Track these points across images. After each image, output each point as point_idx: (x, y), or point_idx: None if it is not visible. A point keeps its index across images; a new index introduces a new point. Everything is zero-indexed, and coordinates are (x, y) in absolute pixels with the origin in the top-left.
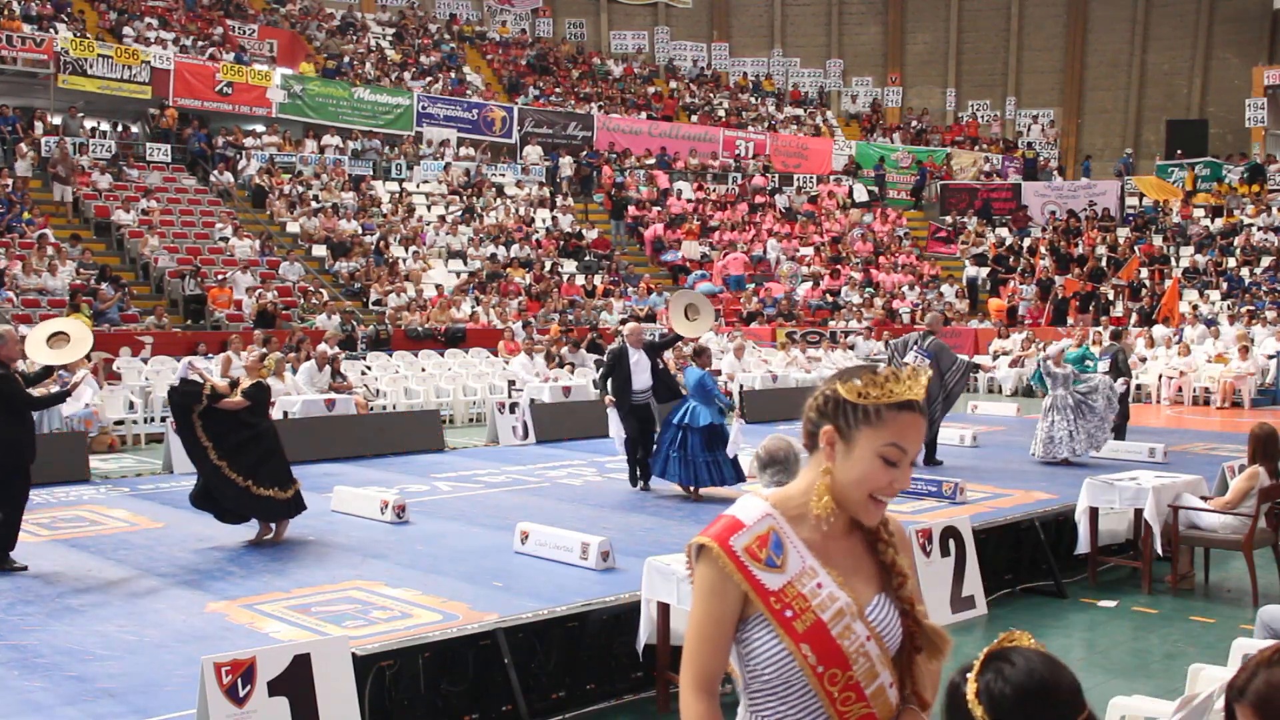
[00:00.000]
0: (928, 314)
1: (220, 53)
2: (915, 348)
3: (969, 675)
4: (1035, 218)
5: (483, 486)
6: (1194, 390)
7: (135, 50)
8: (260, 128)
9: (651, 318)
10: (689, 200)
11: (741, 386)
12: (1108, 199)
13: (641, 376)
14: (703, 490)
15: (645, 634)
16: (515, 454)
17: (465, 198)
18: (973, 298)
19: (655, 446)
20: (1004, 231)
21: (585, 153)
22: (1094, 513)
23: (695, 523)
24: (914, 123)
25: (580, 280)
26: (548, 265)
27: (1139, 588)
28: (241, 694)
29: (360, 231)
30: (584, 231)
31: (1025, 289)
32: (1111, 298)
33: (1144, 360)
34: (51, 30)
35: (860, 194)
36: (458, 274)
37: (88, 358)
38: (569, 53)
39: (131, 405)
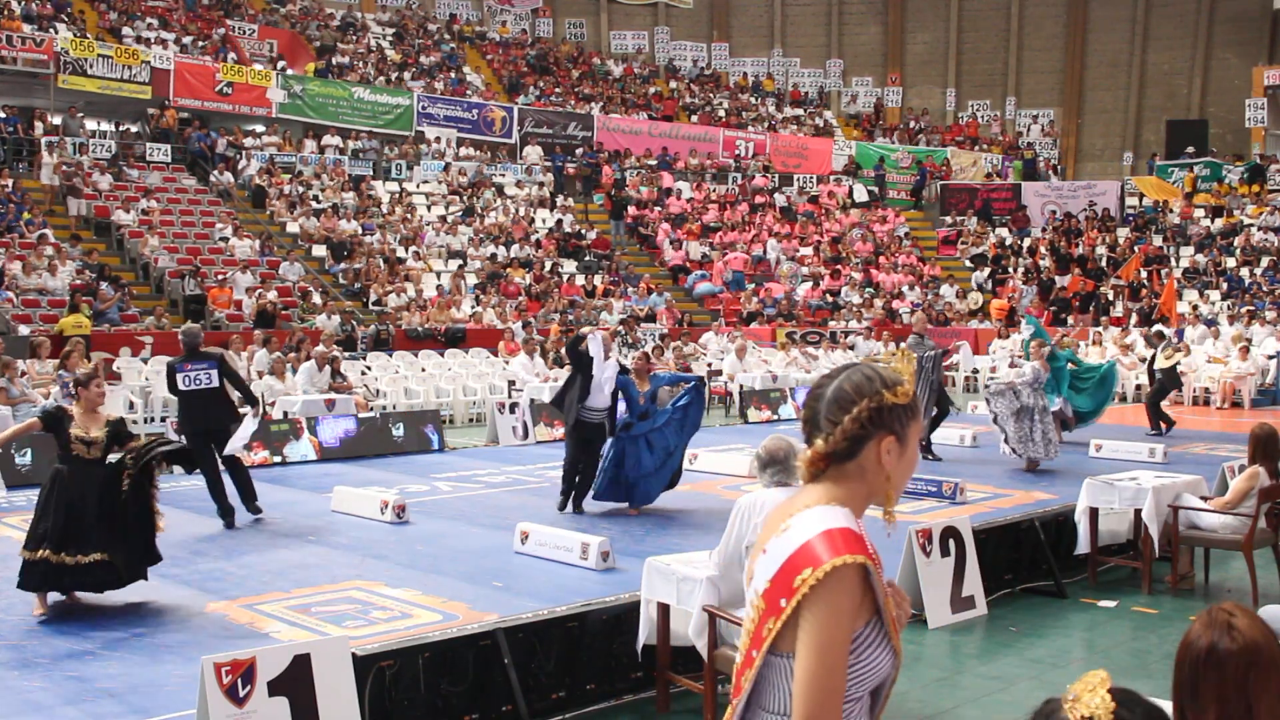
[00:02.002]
0: (914, 316)
1: (225, 50)
2: (925, 350)
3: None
4: (1035, 218)
5: (483, 486)
6: (1194, 390)
7: (135, 50)
8: (260, 128)
9: (652, 318)
10: (688, 200)
11: (741, 387)
12: (1108, 199)
13: (604, 392)
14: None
15: (645, 634)
16: (515, 454)
17: (465, 198)
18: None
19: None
20: (1004, 231)
21: (583, 152)
22: (1094, 513)
23: (695, 524)
24: (914, 123)
25: (580, 280)
26: (548, 265)
27: (1139, 588)
28: (241, 694)
29: (360, 231)
30: (584, 231)
31: (1028, 290)
32: (1111, 298)
33: (1143, 360)
34: (51, 30)
35: (860, 194)
36: (456, 273)
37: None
38: (569, 53)
39: (131, 405)
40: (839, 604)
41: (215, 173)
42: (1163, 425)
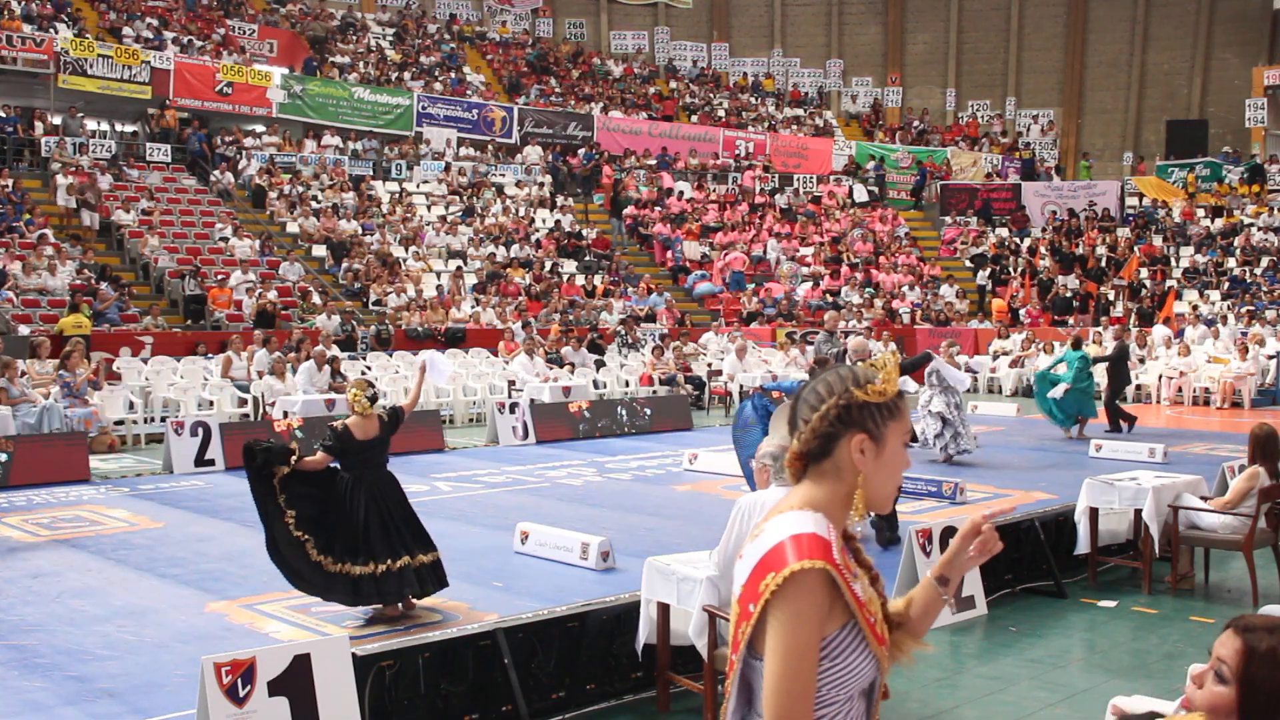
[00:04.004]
0: (826, 315)
1: (223, 52)
2: (834, 348)
3: None
4: (1035, 218)
5: (483, 486)
6: (1194, 390)
7: (135, 50)
8: (260, 128)
9: (652, 318)
10: (688, 200)
11: (742, 387)
12: (1108, 199)
13: None
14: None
15: (645, 634)
16: (515, 454)
17: (465, 198)
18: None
19: None
20: (1004, 231)
21: (584, 151)
22: (1094, 513)
23: (696, 522)
24: (914, 123)
25: (580, 280)
26: (548, 265)
27: (1139, 588)
28: (241, 694)
29: (360, 231)
30: (584, 231)
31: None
32: (1112, 298)
33: (1143, 361)
34: (51, 30)
35: (860, 194)
36: (456, 273)
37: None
38: (569, 53)
39: (131, 405)
40: (799, 609)
41: (215, 173)
42: (1123, 424)
